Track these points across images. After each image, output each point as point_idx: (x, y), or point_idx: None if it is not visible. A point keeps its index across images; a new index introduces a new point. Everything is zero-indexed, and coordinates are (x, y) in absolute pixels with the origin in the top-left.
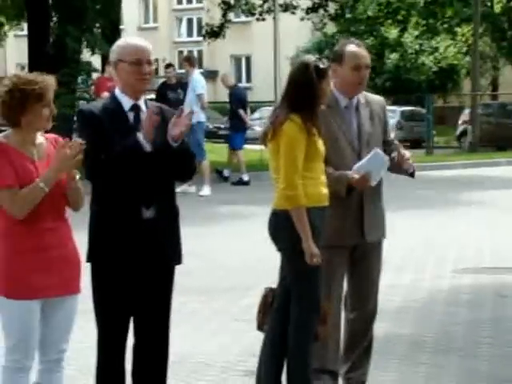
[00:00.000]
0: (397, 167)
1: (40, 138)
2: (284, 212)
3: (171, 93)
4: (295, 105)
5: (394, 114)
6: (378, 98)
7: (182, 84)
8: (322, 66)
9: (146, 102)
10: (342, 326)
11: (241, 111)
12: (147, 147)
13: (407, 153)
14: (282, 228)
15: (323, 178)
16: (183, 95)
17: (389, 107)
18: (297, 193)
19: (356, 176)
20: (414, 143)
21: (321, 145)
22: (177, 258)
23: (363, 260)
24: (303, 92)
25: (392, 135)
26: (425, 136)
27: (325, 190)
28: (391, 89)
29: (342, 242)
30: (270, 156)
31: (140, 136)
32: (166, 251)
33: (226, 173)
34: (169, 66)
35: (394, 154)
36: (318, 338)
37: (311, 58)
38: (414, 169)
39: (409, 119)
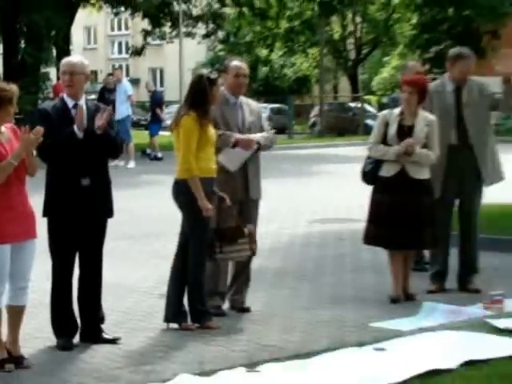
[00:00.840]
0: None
1: (2, 127)
2: (183, 180)
3: (108, 94)
4: (192, 104)
5: (266, 109)
6: (253, 102)
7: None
8: (212, 76)
9: (87, 101)
10: (230, 263)
11: (157, 109)
12: (80, 135)
13: (257, 136)
14: (181, 192)
15: (213, 157)
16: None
17: (262, 104)
18: (191, 167)
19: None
20: (280, 130)
21: (212, 133)
22: (109, 213)
23: (246, 215)
24: (198, 95)
25: (267, 126)
26: (287, 125)
27: (214, 166)
28: (263, 92)
29: (232, 199)
30: (174, 140)
31: (75, 127)
32: (99, 208)
33: (159, 154)
34: (110, 74)
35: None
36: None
37: (205, 70)
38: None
39: (276, 113)
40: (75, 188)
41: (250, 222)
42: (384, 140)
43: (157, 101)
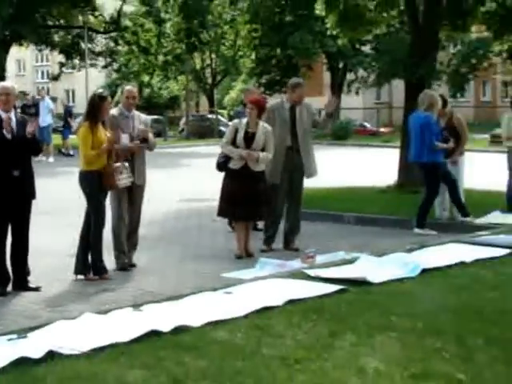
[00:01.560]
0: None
1: None
2: (84, 171)
3: (27, 108)
4: (87, 117)
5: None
6: (144, 115)
7: (35, 104)
8: (103, 94)
9: (16, 113)
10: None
11: (69, 119)
12: (8, 136)
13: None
14: (83, 180)
15: (104, 154)
16: (35, 110)
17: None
18: (89, 159)
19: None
20: (158, 134)
21: (102, 136)
22: (33, 195)
23: (135, 196)
24: (92, 109)
25: (151, 135)
26: (163, 130)
27: (104, 161)
28: (146, 107)
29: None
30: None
31: (4, 131)
32: (26, 192)
33: (71, 152)
34: (27, 94)
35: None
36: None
37: (99, 90)
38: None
39: (155, 122)
40: (8, 177)
41: (137, 204)
42: (234, 141)
43: (69, 113)
